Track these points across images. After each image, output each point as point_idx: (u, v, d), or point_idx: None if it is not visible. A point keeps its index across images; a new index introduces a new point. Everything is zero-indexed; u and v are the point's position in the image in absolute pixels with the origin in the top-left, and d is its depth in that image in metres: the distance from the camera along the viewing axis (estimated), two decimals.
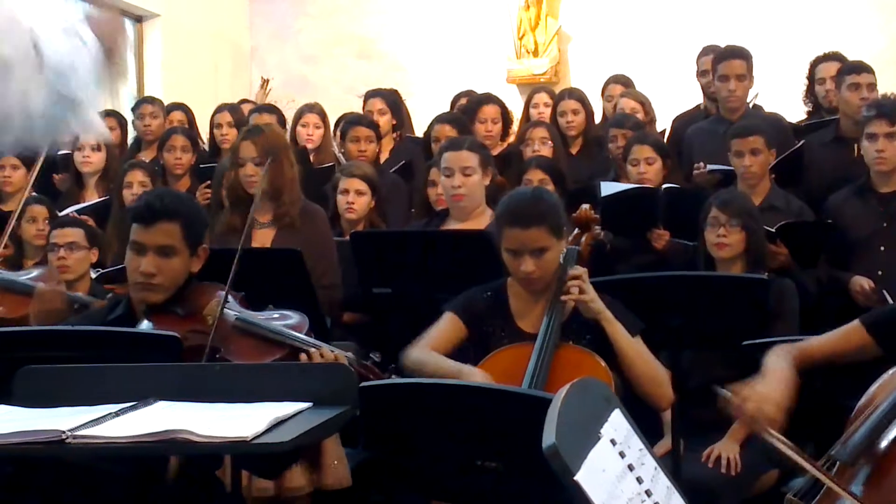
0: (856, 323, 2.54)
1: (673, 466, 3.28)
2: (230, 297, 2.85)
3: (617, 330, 2.97)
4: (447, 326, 3.10)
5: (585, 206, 3.43)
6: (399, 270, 3.83)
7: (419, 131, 6.32)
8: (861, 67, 4.98)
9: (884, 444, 2.13)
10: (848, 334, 2.53)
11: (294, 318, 3.01)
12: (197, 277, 2.96)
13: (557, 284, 3.02)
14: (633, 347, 2.97)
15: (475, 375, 2.86)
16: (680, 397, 3.30)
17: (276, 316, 3.00)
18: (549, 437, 1.40)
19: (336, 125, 6.13)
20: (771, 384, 2.33)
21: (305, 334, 2.96)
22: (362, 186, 4.53)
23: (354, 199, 4.52)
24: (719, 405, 2.35)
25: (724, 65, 5.12)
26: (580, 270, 3.01)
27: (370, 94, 6.13)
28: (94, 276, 4.19)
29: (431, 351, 3.01)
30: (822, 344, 2.53)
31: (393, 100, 6.06)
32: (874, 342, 2.48)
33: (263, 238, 3.96)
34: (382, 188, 4.71)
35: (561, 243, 3.07)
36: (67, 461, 2.25)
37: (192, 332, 2.69)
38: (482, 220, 4.02)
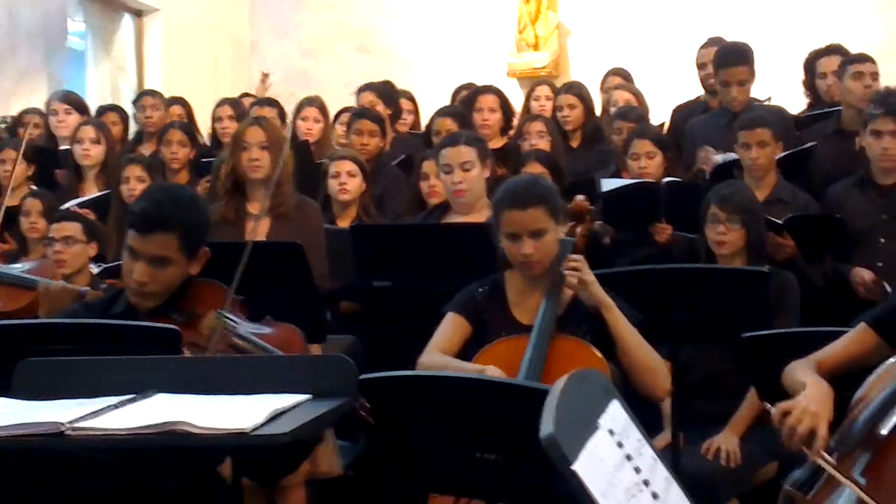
0: (861, 325, 2.52)
1: (673, 459, 3.28)
2: (230, 305, 2.78)
3: (617, 317, 2.96)
4: (451, 327, 3.10)
5: (580, 197, 3.42)
6: (399, 264, 3.83)
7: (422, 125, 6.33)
8: (864, 57, 4.99)
9: (883, 431, 2.13)
10: (857, 338, 2.50)
11: (286, 332, 2.91)
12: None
13: (554, 275, 3.02)
14: (633, 335, 2.96)
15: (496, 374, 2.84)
16: (680, 391, 3.30)
17: (269, 332, 2.87)
18: (547, 427, 1.40)
19: (336, 117, 6.14)
20: (813, 399, 2.26)
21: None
22: (353, 168, 4.59)
23: (347, 181, 4.59)
24: (769, 421, 2.30)
25: (726, 72, 5.09)
26: (578, 257, 3.01)
27: (362, 89, 6.17)
28: (96, 270, 4.20)
29: (445, 355, 3.01)
30: (835, 354, 2.49)
31: (385, 91, 6.06)
32: (883, 340, 2.46)
33: (257, 228, 3.96)
34: (382, 180, 4.72)
35: (559, 229, 3.07)
36: (67, 454, 2.25)
37: (188, 345, 2.62)
38: (483, 213, 4.01)
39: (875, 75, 4.89)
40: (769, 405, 2.31)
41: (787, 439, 2.22)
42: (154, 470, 2.43)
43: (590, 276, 2.98)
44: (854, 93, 4.85)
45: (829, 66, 5.40)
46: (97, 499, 2.45)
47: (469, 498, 2.63)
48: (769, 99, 5.70)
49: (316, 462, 3.33)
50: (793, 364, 2.47)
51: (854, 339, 2.52)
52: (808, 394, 2.29)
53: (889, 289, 4.05)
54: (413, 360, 3.06)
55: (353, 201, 4.63)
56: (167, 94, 6.67)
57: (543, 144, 5.14)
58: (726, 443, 3.54)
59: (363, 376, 2.20)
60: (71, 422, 1.82)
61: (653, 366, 2.99)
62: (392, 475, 2.87)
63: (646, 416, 2.14)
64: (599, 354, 2.90)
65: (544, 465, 1.42)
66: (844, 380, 2.43)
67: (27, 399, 2.04)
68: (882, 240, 4.23)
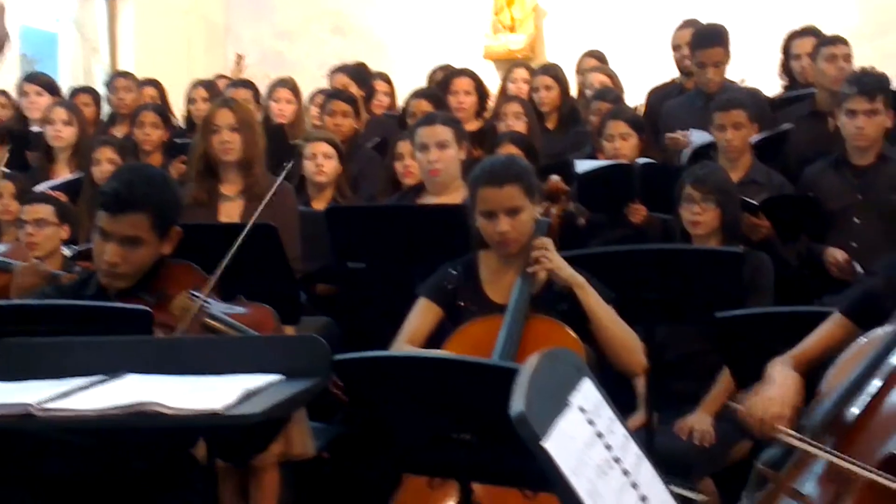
0: (836, 315, 2.56)
1: (647, 438, 3.29)
2: (203, 285, 2.76)
3: (589, 293, 2.96)
4: (421, 313, 3.11)
5: (555, 178, 3.42)
6: (374, 245, 3.82)
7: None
8: (837, 39, 5.01)
9: (850, 413, 2.15)
10: (832, 329, 2.55)
11: (259, 312, 2.88)
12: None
13: (528, 255, 3.02)
14: (606, 312, 2.97)
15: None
16: (655, 370, 3.31)
17: (241, 311, 2.84)
18: (517, 404, 1.39)
19: (310, 99, 6.11)
20: (774, 387, 2.40)
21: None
22: (328, 150, 4.59)
23: (323, 162, 4.60)
24: (732, 418, 2.44)
25: (702, 53, 5.14)
26: (545, 240, 3.02)
27: (334, 71, 6.16)
28: (68, 252, 4.16)
29: (406, 345, 3.03)
30: (812, 346, 2.54)
31: (357, 72, 6.05)
32: (857, 327, 2.49)
33: (231, 210, 3.93)
34: (357, 161, 4.71)
35: (534, 208, 3.07)
36: (36, 436, 2.23)
37: (159, 325, 2.60)
38: (458, 194, 4.00)
39: (848, 57, 4.92)
40: (735, 405, 2.44)
41: (755, 431, 2.36)
42: (125, 452, 2.41)
43: (557, 258, 2.98)
44: (827, 75, 4.87)
45: (804, 47, 5.41)
46: (67, 482, 2.43)
47: (443, 478, 2.64)
48: (742, 81, 5.72)
49: (289, 443, 3.33)
50: (771, 362, 2.51)
51: (829, 329, 2.56)
52: (769, 383, 2.42)
53: (861, 269, 4.08)
54: (388, 340, 3.08)
55: (328, 183, 4.62)
56: (140, 75, 6.63)
57: (520, 126, 5.14)
58: (699, 422, 3.56)
59: (337, 357, 2.19)
60: (39, 402, 1.80)
61: (629, 343, 3.00)
62: (366, 456, 2.86)
63: (620, 395, 2.16)
64: (574, 335, 2.90)
65: (517, 445, 1.41)
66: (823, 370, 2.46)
67: None
68: (856, 220, 4.25)
